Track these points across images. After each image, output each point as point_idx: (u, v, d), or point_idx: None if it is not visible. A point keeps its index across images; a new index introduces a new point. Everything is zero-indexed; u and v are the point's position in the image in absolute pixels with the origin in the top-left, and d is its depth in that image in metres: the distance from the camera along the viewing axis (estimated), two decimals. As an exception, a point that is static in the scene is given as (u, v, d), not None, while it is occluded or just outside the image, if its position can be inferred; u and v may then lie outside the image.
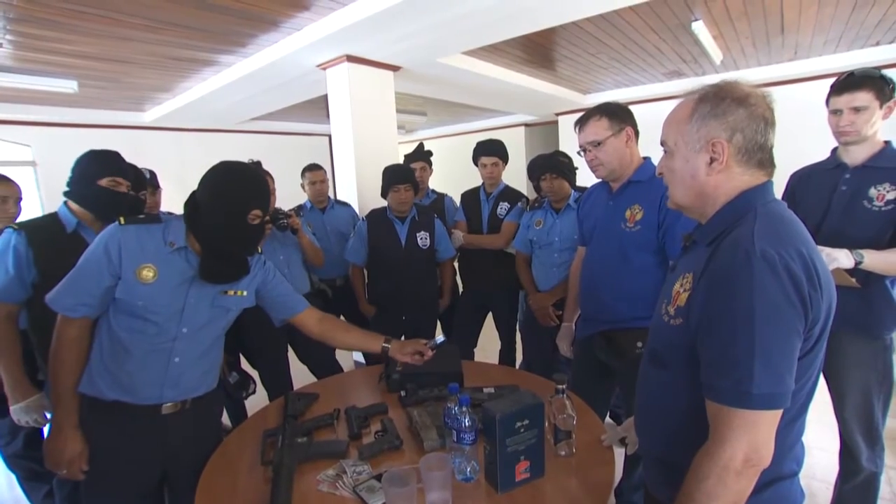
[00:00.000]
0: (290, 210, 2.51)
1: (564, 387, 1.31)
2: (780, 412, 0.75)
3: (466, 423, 1.19)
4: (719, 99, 0.84)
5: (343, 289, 2.89)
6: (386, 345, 1.60)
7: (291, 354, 2.54)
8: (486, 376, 1.83)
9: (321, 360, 2.56)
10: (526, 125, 7.77)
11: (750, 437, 0.73)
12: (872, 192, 1.70)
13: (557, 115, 6.86)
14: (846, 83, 1.66)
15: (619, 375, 1.80)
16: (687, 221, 1.54)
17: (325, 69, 3.54)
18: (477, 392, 1.64)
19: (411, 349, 1.59)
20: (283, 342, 2.51)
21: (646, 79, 5.18)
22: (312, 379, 2.36)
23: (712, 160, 0.85)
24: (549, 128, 7.48)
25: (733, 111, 0.83)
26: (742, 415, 0.74)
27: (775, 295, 0.73)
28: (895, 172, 1.67)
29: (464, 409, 1.20)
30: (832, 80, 1.74)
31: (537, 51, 4.02)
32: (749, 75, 4.79)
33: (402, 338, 2.68)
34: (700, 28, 3.27)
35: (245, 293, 1.44)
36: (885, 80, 1.63)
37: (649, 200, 1.61)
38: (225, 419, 2.79)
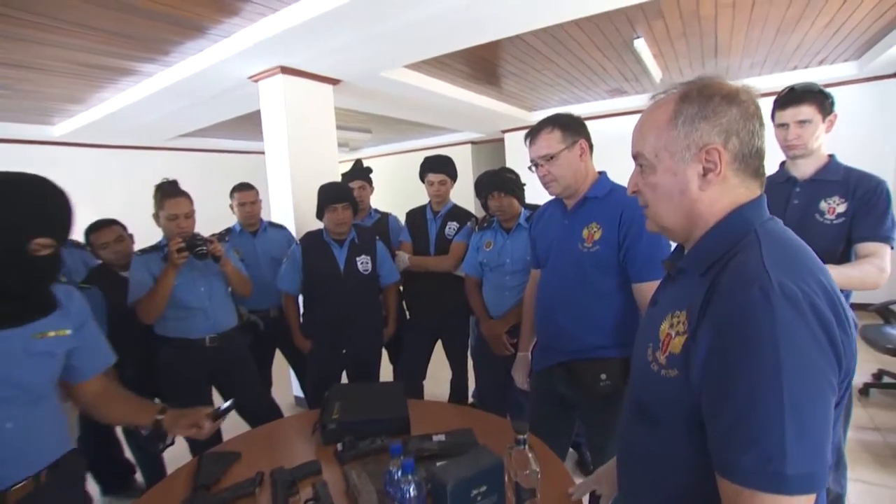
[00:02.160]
0: (214, 235, 2.22)
1: (526, 436, 1.13)
2: (814, 496, 0.58)
3: (411, 494, 0.99)
4: (706, 97, 0.70)
5: (278, 320, 2.61)
6: (160, 416, 1.33)
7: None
8: (436, 419, 1.63)
9: (255, 406, 2.26)
10: (472, 143, 7.74)
11: None
12: (823, 205, 1.71)
13: (504, 132, 6.87)
14: (789, 97, 1.68)
15: (582, 409, 1.66)
16: (651, 240, 1.44)
17: (257, 81, 3.28)
18: (426, 441, 1.44)
19: (187, 421, 1.34)
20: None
21: (590, 96, 5.25)
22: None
23: (706, 171, 0.70)
24: (496, 145, 7.49)
25: (725, 111, 0.69)
26: (773, 500, 0.57)
27: (803, 342, 0.57)
28: (843, 185, 1.71)
29: (408, 477, 0.99)
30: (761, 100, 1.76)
31: (483, 66, 3.95)
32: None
33: (344, 373, 2.47)
34: (642, 46, 3.31)
35: (69, 332, 1.17)
36: (825, 95, 1.66)
37: (608, 218, 1.49)
38: (139, 477, 2.43)
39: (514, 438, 1.13)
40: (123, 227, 2.34)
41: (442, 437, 1.45)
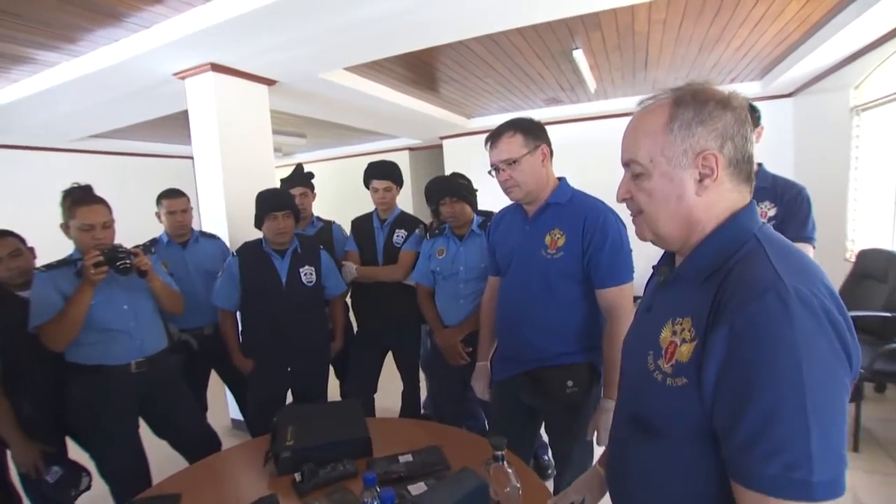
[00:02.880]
0: (138, 247, 1.99)
1: (504, 452, 1.08)
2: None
3: (392, 529, 0.90)
4: (700, 102, 0.69)
5: (213, 339, 2.39)
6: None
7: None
8: (398, 437, 1.55)
9: (190, 434, 2.03)
10: (410, 149, 7.69)
11: None
12: (757, 209, 1.83)
13: (442, 138, 6.88)
14: None
15: (547, 417, 1.64)
16: (614, 246, 1.45)
17: (184, 78, 3.02)
18: (392, 462, 1.35)
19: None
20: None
21: (527, 104, 5.38)
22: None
23: (702, 176, 0.69)
24: (434, 152, 7.49)
25: (720, 116, 0.68)
26: None
27: (821, 347, 0.57)
28: (772, 191, 1.86)
29: (387, 510, 0.91)
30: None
31: (424, 71, 3.92)
32: (617, 105, 5.25)
33: (289, 392, 2.31)
34: (580, 57, 3.43)
35: None
36: (753, 108, 1.77)
37: (571, 224, 1.49)
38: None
39: (492, 455, 1.08)
40: (21, 240, 2.01)
41: (409, 458, 1.37)
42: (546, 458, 2.49)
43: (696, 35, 3.31)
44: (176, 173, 6.48)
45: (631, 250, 1.48)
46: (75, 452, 1.94)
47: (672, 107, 0.71)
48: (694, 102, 0.69)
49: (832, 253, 4.08)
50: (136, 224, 3.00)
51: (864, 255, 3.35)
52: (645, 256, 1.16)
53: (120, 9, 2.34)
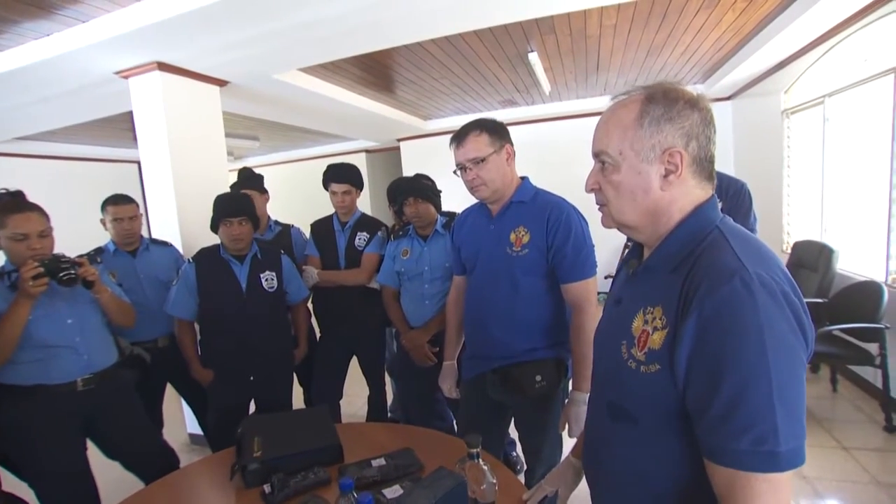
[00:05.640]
0: (82, 256, 1.86)
1: (479, 450, 1.09)
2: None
3: (372, 533, 0.89)
4: (671, 100, 0.72)
5: (168, 351, 2.27)
6: None
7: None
8: (369, 441, 1.53)
9: (144, 453, 1.92)
10: (367, 151, 7.61)
11: (776, 501, 0.62)
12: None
13: (399, 140, 6.85)
14: None
15: (517, 412, 1.67)
16: (577, 241, 1.48)
17: (127, 77, 2.85)
18: (365, 467, 1.34)
19: None
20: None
21: (483, 106, 5.45)
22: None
23: (667, 172, 0.73)
24: (391, 154, 7.45)
25: (688, 115, 0.72)
26: (767, 479, 0.61)
27: (781, 327, 0.62)
28: (717, 187, 1.92)
29: (367, 514, 0.90)
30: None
31: (381, 72, 3.90)
32: (570, 106, 5.40)
33: (252, 403, 2.23)
34: (535, 59, 3.51)
35: None
36: None
37: (535, 221, 1.52)
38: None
39: (467, 452, 1.09)
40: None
41: (382, 461, 1.36)
42: (514, 454, 2.52)
43: (644, 40, 3.47)
44: (118, 179, 6.13)
45: (593, 245, 1.52)
46: (12, 483, 1.80)
47: (644, 103, 0.74)
48: (665, 100, 0.72)
49: (770, 245, 4.30)
50: (78, 233, 2.81)
51: (798, 247, 3.61)
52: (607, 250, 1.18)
53: (51, 0, 2.19)
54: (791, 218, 4.40)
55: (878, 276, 2.96)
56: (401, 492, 1.20)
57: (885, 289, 2.68)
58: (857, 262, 3.28)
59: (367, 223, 2.53)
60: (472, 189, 1.55)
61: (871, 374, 3.01)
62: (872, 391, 3.00)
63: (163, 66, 2.76)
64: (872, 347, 2.70)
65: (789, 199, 4.38)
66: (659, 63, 4.12)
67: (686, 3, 2.80)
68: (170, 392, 2.48)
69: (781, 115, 4.27)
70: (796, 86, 4.06)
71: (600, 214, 0.82)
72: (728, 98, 5.30)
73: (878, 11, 2.77)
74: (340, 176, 2.44)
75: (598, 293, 1.60)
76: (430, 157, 6.26)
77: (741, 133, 5.28)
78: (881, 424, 2.70)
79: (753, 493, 0.61)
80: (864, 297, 2.77)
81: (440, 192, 2.31)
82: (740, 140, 5.31)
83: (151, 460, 1.90)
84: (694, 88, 0.76)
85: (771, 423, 0.60)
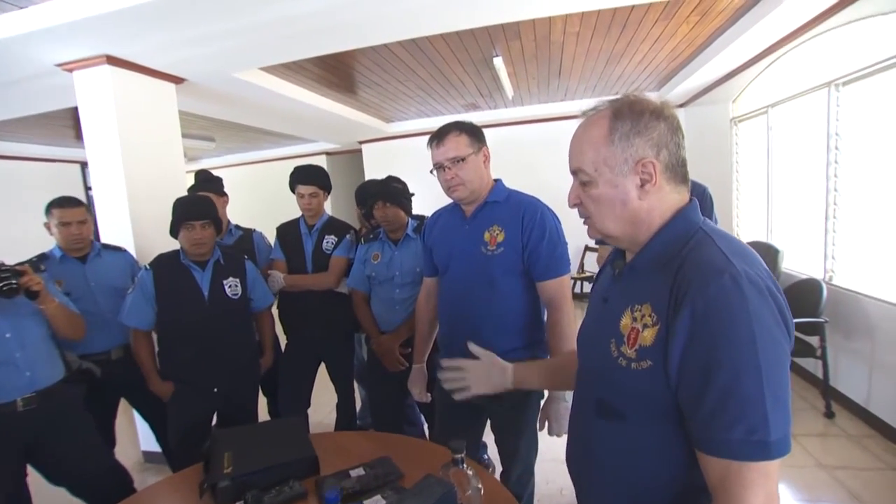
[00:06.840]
0: (23, 263, 1.72)
1: (463, 455, 1.08)
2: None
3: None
4: (637, 113, 0.75)
5: (122, 363, 2.13)
6: None
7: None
8: (344, 451, 1.49)
9: (93, 476, 1.79)
10: (328, 153, 7.46)
11: (766, 489, 0.64)
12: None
13: (361, 143, 6.76)
14: None
15: (493, 414, 1.66)
16: (552, 240, 1.50)
17: (71, 70, 2.66)
18: (343, 478, 1.30)
19: None
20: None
21: (446, 110, 5.46)
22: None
23: (643, 182, 0.76)
24: (353, 156, 7.33)
25: (655, 126, 0.75)
26: (758, 468, 0.63)
27: (768, 322, 0.65)
28: None
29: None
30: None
31: (344, 73, 3.83)
32: (532, 111, 5.50)
33: (215, 416, 2.12)
34: (500, 64, 3.55)
35: None
36: None
37: (509, 220, 1.53)
38: None
39: (451, 458, 1.07)
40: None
41: (360, 471, 1.32)
42: (486, 456, 2.52)
43: (605, 48, 3.58)
44: (59, 180, 5.73)
45: (566, 243, 1.55)
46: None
47: (612, 119, 0.77)
48: (631, 114, 0.75)
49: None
50: (12, 239, 2.60)
51: (747, 247, 3.81)
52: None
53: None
54: (740, 220, 4.66)
55: (818, 275, 3.18)
56: (383, 502, 1.17)
57: (824, 286, 2.88)
58: (799, 261, 3.51)
59: (335, 226, 2.48)
60: (450, 189, 1.54)
61: (811, 365, 3.22)
62: (813, 381, 3.21)
63: (113, 60, 2.60)
64: (814, 340, 2.89)
65: (738, 202, 4.64)
66: (618, 71, 4.26)
67: (645, 14, 2.92)
68: (121, 407, 2.33)
69: (730, 122, 4.51)
70: (743, 95, 4.31)
71: (570, 213, 0.84)
72: (681, 105, 5.55)
73: (816, 29, 2.98)
74: (307, 178, 2.39)
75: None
76: (392, 160, 6.21)
77: (693, 139, 5.48)
78: (822, 411, 2.89)
79: (746, 483, 0.64)
80: (805, 293, 2.96)
81: (412, 195, 2.29)
82: (692, 146, 5.36)
83: (102, 483, 1.78)
84: (649, 97, 0.80)
85: (762, 413, 0.63)
